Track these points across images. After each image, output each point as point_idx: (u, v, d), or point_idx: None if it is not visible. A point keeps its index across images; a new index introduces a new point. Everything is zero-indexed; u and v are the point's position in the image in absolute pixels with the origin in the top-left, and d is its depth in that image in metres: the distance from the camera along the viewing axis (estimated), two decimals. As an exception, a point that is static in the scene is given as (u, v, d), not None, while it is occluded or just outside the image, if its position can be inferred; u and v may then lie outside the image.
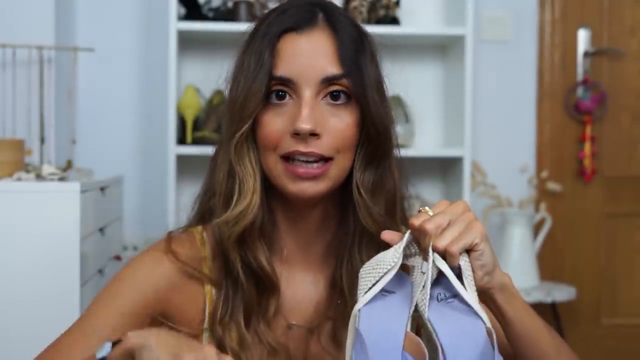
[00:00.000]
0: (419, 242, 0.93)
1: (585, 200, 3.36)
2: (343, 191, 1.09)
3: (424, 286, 0.88)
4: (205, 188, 1.14)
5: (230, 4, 2.97)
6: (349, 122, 1.04)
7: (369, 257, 1.03)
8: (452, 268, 0.90)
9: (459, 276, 0.90)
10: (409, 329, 0.86)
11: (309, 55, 1.03)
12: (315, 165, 1.02)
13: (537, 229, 3.17)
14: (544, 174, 3.27)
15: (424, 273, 0.89)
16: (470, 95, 2.93)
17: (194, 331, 1.07)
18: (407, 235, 0.93)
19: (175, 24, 2.79)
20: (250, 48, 1.06)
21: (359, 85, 1.04)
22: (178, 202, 2.79)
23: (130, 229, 3.05)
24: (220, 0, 3.05)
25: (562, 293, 2.97)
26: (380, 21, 2.96)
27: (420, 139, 3.17)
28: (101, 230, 2.36)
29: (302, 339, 1.09)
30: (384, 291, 0.91)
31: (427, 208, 0.93)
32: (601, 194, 3.37)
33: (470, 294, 0.89)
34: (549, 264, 3.30)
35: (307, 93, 1.02)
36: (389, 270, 0.90)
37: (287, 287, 1.10)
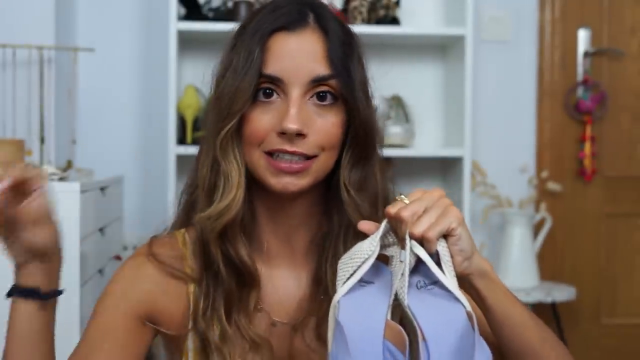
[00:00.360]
0: (396, 231, 0.93)
1: (585, 200, 3.36)
2: (326, 188, 1.09)
3: (402, 274, 0.88)
4: (190, 182, 1.15)
5: (230, 4, 2.97)
6: (335, 122, 1.04)
7: None
8: (431, 255, 0.90)
9: (438, 263, 0.90)
10: (389, 318, 0.86)
11: (299, 55, 1.04)
12: (297, 159, 1.03)
13: (537, 229, 3.17)
14: (544, 174, 3.27)
15: (402, 262, 0.89)
16: (470, 95, 2.93)
17: (181, 333, 1.08)
18: (383, 224, 0.93)
19: (175, 24, 2.79)
20: (239, 45, 1.06)
21: (346, 86, 1.04)
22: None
23: (130, 229, 3.05)
24: (220, 0, 3.05)
25: (562, 293, 2.97)
26: (380, 21, 2.96)
27: (420, 139, 3.17)
28: (101, 230, 2.36)
29: (286, 336, 1.09)
30: (363, 282, 0.91)
31: (402, 196, 0.94)
32: (601, 194, 3.37)
33: (449, 279, 0.89)
34: (549, 264, 3.30)
35: (295, 93, 1.03)
36: (366, 260, 0.90)
37: (270, 284, 1.10)
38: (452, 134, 3.10)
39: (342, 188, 1.07)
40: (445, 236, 0.92)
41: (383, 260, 0.94)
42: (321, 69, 1.03)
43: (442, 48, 3.19)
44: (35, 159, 2.53)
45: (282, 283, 1.11)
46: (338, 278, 0.92)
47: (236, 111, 1.04)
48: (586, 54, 3.33)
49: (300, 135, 1.02)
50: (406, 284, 0.87)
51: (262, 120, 1.03)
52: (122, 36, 3.11)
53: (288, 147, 1.02)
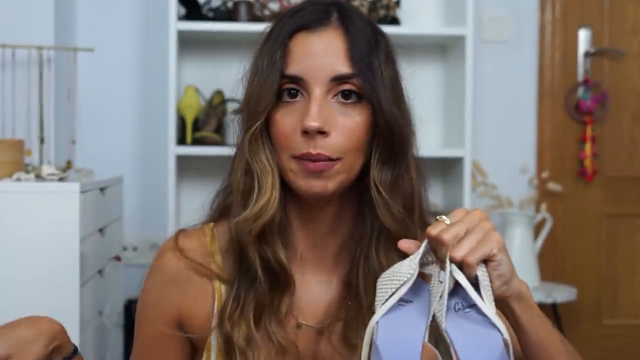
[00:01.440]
0: (436, 252, 0.92)
1: (585, 201, 3.36)
2: (359, 191, 1.09)
3: (440, 296, 0.88)
4: (224, 185, 1.15)
5: (230, 4, 2.97)
6: (359, 121, 1.04)
7: (387, 257, 1.05)
8: (469, 278, 0.89)
9: (476, 286, 0.89)
10: (426, 340, 0.86)
11: (320, 53, 1.03)
12: (322, 162, 1.03)
13: (537, 229, 3.16)
14: (545, 174, 3.26)
15: (441, 282, 0.88)
16: (471, 95, 2.92)
17: (205, 330, 1.08)
18: (423, 245, 0.92)
19: (175, 24, 2.78)
20: (264, 48, 1.07)
21: (370, 84, 1.04)
22: (178, 202, 2.79)
23: (130, 229, 3.04)
24: (220, 0, 3.04)
25: (562, 293, 2.97)
26: (381, 21, 2.95)
27: (421, 139, 3.15)
28: (101, 230, 2.36)
29: (310, 339, 1.09)
30: (402, 301, 0.90)
31: (444, 217, 0.92)
32: (602, 194, 3.36)
33: (487, 305, 0.88)
34: (550, 265, 3.29)
35: (317, 91, 1.02)
36: (405, 282, 0.90)
37: (299, 287, 1.10)
38: (452, 134, 3.10)
39: (372, 188, 1.06)
40: (485, 261, 0.90)
41: (422, 277, 0.94)
42: (343, 67, 1.03)
43: (443, 48, 3.19)
44: (34, 159, 2.53)
45: (311, 287, 1.11)
46: (377, 298, 0.91)
47: (261, 111, 1.04)
48: (587, 54, 3.33)
49: (322, 133, 1.01)
50: (444, 307, 0.86)
51: (286, 120, 1.04)
52: (122, 36, 3.11)
53: (312, 150, 1.01)
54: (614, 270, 3.37)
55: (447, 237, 0.89)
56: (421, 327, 0.87)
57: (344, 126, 1.03)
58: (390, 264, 1.02)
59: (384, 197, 1.05)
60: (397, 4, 3.03)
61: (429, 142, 3.20)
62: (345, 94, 1.04)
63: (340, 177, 1.04)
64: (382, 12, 2.97)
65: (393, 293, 0.90)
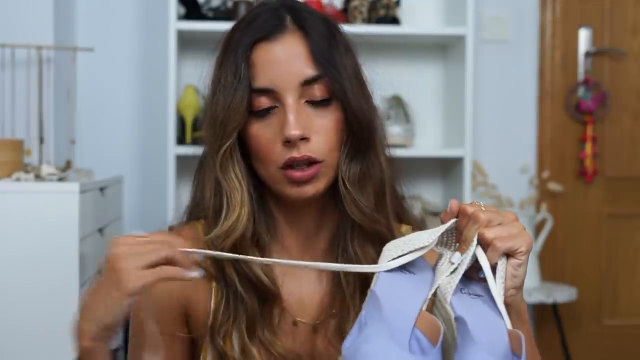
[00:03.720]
0: (461, 232, 0.92)
1: (586, 201, 3.35)
2: (335, 193, 1.09)
3: (452, 272, 0.87)
4: (194, 202, 1.14)
5: (230, 4, 2.96)
6: (333, 120, 1.04)
7: (362, 249, 1.06)
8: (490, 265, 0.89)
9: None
10: (424, 309, 0.85)
11: (285, 61, 1.03)
12: (306, 166, 1.03)
13: (538, 229, 3.16)
14: (545, 174, 3.26)
15: (452, 263, 0.88)
16: (471, 95, 2.92)
17: (203, 328, 1.08)
18: (452, 221, 0.92)
19: (175, 24, 2.78)
20: (225, 62, 1.06)
21: (337, 82, 1.04)
22: (178, 202, 2.78)
23: (129, 229, 3.04)
24: (220, 0, 3.04)
25: (563, 293, 2.96)
26: (381, 21, 2.95)
27: (421, 139, 3.16)
28: (100, 230, 2.35)
29: (307, 336, 1.10)
30: (405, 270, 0.90)
31: (480, 202, 0.93)
32: (602, 194, 3.36)
33: (498, 294, 0.87)
34: (550, 265, 3.29)
35: (290, 99, 1.02)
36: (421, 248, 0.89)
37: (293, 285, 1.10)
38: (452, 134, 3.09)
39: (340, 183, 1.06)
40: (508, 256, 0.89)
41: (429, 258, 0.94)
42: (309, 70, 1.03)
43: (443, 48, 3.18)
44: (34, 159, 2.52)
45: (305, 284, 1.12)
46: (382, 257, 0.91)
47: (231, 130, 1.04)
48: (587, 54, 3.33)
49: (303, 139, 1.02)
50: (456, 282, 0.86)
51: (265, 133, 1.04)
52: (122, 36, 3.11)
53: (296, 154, 1.02)
54: (615, 270, 3.37)
55: (483, 216, 0.89)
56: (421, 296, 0.86)
57: (321, 128, 1.04)
58: (365, 255, 1.05)
59: (350, 191, 1.06)
60: (397, 3, 3.02)
61: (429, 142, 3.20)
62: (316, 96, 1.04)
63: (326, 177, 1.05)
64: (382, 12, 2.96)
65: (405, 254, 0.89)
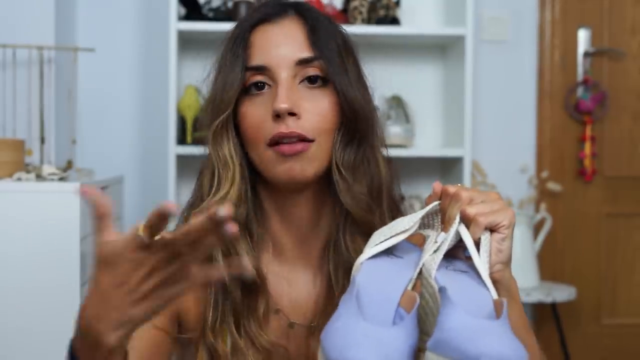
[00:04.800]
0: (444, 212, 0.93)
1: (585, 201, 3.36)
2: (327, 181, 1.09)
3: (435, 251, 0.88)
4: (194, 198, 1.14)
5: (230, 4, 2.97)
6: (327, 103, 1.05)
7: (353, 241, 1.06)
8: (473, 240, 0.90)
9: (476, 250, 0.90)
10: (410, 289, 0.86)
11: (281, 41, 1.06)
12: (295, 140, 1.03)
13: (537, 229, 3.17)
14: (544, 174, 3.26)
15: (436, 242, 0.89)
16: (470, 95, 2.92)
17: (195, 332, 1.08)
18: (434, 204, 0.93)
19: (175, 24, 2.79)
20: (226, 47, 1.09)
21: (332, 67, 1.05)
22: (178, 202, 2.78)
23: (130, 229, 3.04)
24: (220, 0, 3.05)
25: (562, 293, 2.97)
26: (380, 21, 2.96)
27: (420, 139, 3.17)
28: (101, 230, 2.36)
29: (303, 338, 1.09)
30: (392, 255, 0.91)
31: (464, 184, 0.94)
32: (601, 194, 3.37)
33: (482, 267, 0.88)
34: (549, 264, 3.30)
35: (283, 76, 1.04)
36: (403, 232, 0.90)
37: (289, 286, 1.10)
38: (452, 134, 3.10)
39: (334, 169, 1.06)
40: (492, 231, 0.91)
41: (417, 241, 0.95)
42: (305, 52, 1.05)
43: (442, 48, 3.19)
44: (35, 159, 2.53)
45: (299, 284, 1.11)
46: (367, 244, 0.92)
47: (226, 104, 1.05)
48: (586, 54, 3.33)
49: (292, 115, 1.02)
50: (439, 258, 0.87)
51: (256, 111, 1.04)
52: (122, 36, 3.11)
53: (284, 129, 1.02)
54: (614, 269, 3.37)
55: (464, 194, 0.91)
56: (406, 277, 0.87)
57: (313, 109, 1.04)
58: (356, 248, 1.05)
59: (345, 177, 1.05)
60: (397, 4, 3.03)
61: (428, 142, 3.20)
62: (311, 79, 1.05)
63: (316, 163, 1.05)
64: (382, 12, 2.97)
65: (386, 240, 0.90)
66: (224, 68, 1.07)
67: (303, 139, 1.02)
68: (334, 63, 1.05)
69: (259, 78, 1.05)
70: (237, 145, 1.06)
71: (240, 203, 1.05)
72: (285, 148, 1.02)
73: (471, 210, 0.89)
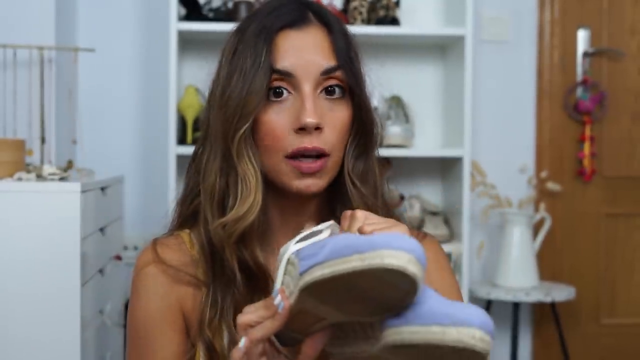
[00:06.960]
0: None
1: (584, 201, 3.36)
2: (331, 187, 1.09)
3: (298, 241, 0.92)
4: (186, 193, 1.14)
5: (230, 4, 2.97)
6: (345, 115, 1.06)
7: None
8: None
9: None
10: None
11: (307, 50, 1.04)
12: (314, 159, 1.03)
13: (536, 229, 3.17)
14: (544, 174, 3.27)
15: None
16: (470, 95, 2.93)
17: (195, 330, 1.08)
18: (329, 223, 0.96)
19: (175, 24, 2.79)
20: (242, 49, 1.06)
21: (352, 77, 1.06)
22: (178, 202, 2.78)
23: (130, 229, 3.05)
24: (220, 0, 3.05)
25: (561, 293, 2.97)
26: (380, 21, 2.96)
27: (420, 139, 3.17)
28: (102, 230, 2.36)
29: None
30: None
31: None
32: (601, 194, 3.37)
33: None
34: (549, 264, 3.30)
35: (307, 87, 1.03)
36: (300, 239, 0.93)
37: None
38: (451, 134, 3.10)
39: (347, 179, 1.07)
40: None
41: None
42: (329, 61, 1.04)
43: (442, 48, 3.20)
44: (36, 159, 2.53)
45: None
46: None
47: (250, 111, 1.02)
48: (586, 54, 3.34)
49: (318, 129, 1.02)
50: (293, 241, 0.92)
51: (277, 120, 1.03)
52: (123, 36, 3.12)
53: (308, 144, 1.02)
54: (613, 269, 3.38)
55: (360, 215, 0.95)
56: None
57: (334, 121, 1.04)
58: None
59: (359, 188, 1.07)
60: (397, 4, 3.03)
61: (428, 142, 3.21)
62: (329, 90, 1.05)
63: (331, 174, 1.06)
64: (381, 12, 2.97)
65: (301, 239, 0.93)
66: (245, 69, 1.04)
67: (322, 154, 1.03)
68: (354, 73, 1.06)
69: (280, 84, 1.03)
70: (257, 152, 1.05)
71: (261, 208, 1.05)
72: (304, 167, 1.02)
73: (368, 228, 0.93)
